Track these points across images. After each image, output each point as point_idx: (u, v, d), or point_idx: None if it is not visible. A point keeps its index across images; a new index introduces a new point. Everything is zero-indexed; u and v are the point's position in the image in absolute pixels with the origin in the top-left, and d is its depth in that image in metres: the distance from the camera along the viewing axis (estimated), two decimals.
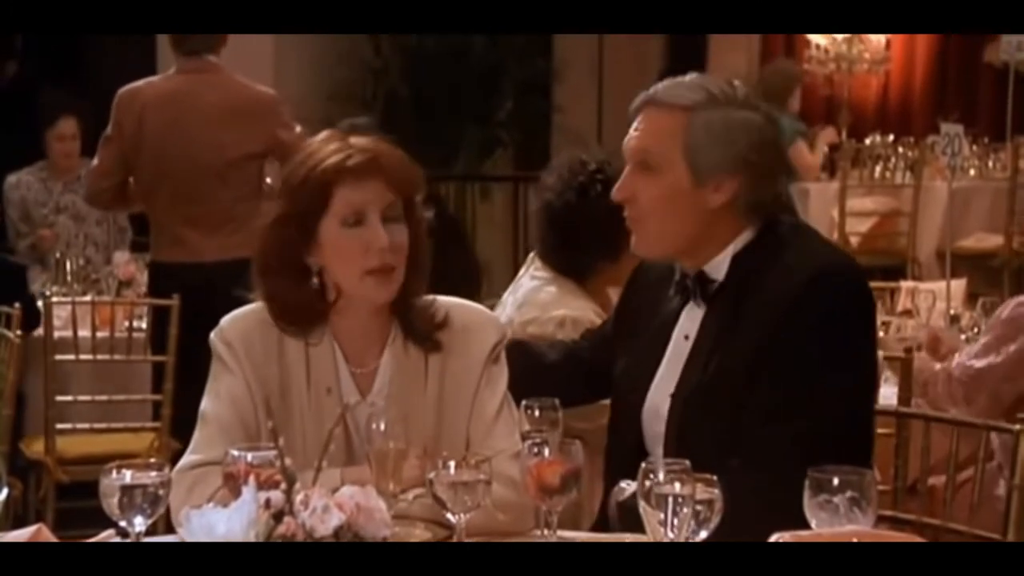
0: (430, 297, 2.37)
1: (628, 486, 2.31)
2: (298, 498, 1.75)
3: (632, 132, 2.42)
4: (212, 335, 2.33)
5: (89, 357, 4.63)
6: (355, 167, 2.23)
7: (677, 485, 1.82)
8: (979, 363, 3.35)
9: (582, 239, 3.12)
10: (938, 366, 3.50)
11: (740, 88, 2.42)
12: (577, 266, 3.17)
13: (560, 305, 3.11)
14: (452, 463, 1.94)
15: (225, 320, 2.35)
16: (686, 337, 2.42)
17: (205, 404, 2.30)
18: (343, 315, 2.32)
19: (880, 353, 3.72)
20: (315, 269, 2.29)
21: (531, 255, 3.32)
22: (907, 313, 4.67)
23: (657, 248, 2.44)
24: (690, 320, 2.43)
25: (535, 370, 2.65)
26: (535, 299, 3.16)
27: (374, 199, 2.24)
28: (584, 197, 3.12)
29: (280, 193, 2.32)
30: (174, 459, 2.30)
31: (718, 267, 2.39)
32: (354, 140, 2.29)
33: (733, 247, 2.39)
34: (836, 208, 7.68)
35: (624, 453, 2.43)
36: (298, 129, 4.86)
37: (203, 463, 2.20)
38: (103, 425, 4.68)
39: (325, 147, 2.27)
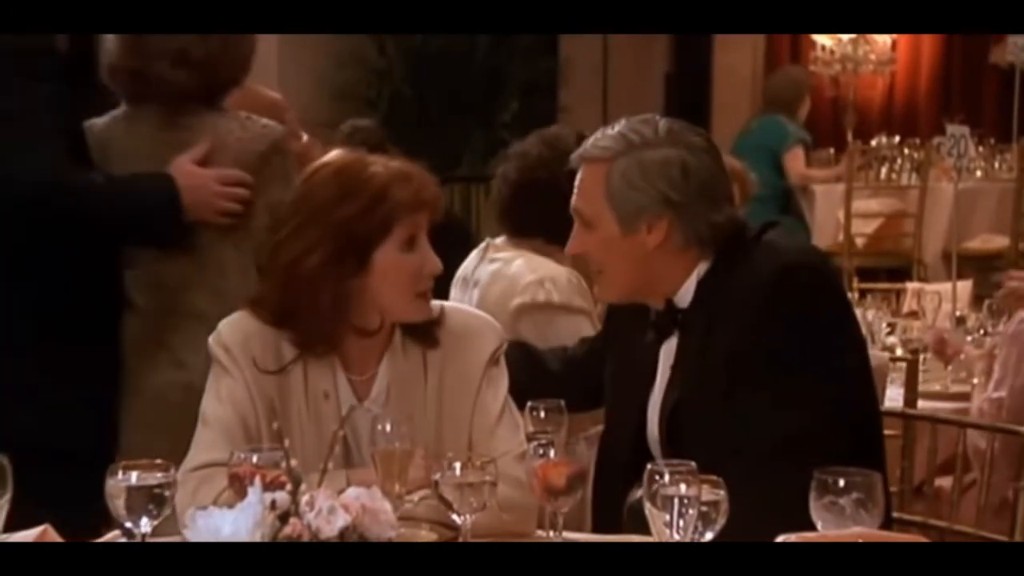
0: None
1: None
2: (304, 499, 1.75)
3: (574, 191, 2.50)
4: (210, 340, 2.34)
5: None
6: (426, 200, 2.29)
7: (683, 487, 1.82)
8: (1001, 392, 3.31)
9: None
10: (974, 404, 3.45)
11: (662, 126, 2.45)
12: (558, 225, 2.94)
13: (534, 270, 3.05)
14: (458, 464, 1.94)
15: (223, 324, 2.35)
16: (671, 367, 2.44)
17: (206, 405, 2.30)
18: (355, 331, 2.31)
19: (885, 355, 3.73)
20: (355, 292, 2.27)
21: (479, 251, 3.26)
22: (913, 315, 4.67)
23: (617, 294, 2.53)
24: (669, 351, 2.45)
25: (535, 375, 2.66)
26: (504, 274, 3.10)
27: (424, 224, 2.31)
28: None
29: (322, 226, 2.26)
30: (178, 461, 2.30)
31: (684, 297, 2.43)
32: (388, 162, 2.31)
33: (696, 275, 2.42)
34: (842, 209, 7.68)
35: (614, 482, 2.44)
36: (305, 138, 4.85)
37: (208, 464, 2.20)
38: None
39: (379, 174, 2.27)
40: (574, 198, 2.49)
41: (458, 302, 3.04)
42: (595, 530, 2.47)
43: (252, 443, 2.15)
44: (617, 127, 2.47)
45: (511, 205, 3.19)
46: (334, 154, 2.36)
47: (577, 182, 2.49)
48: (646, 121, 2.47)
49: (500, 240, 3.23)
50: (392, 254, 2.27)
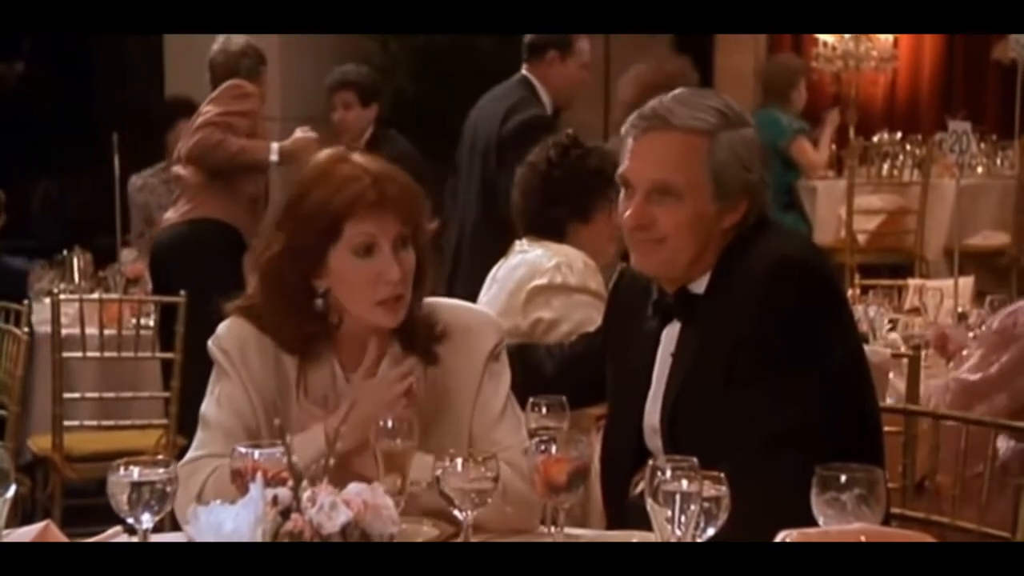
0: (429, 301, 2.37)
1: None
2: (305, 495, 1.75)
3: (638, 158, 2.37)
4: (210, 342, 2.34)
5: (96, 354, 4.64)
6: (371, 203, 2.22)
7: (684, 482, 1.82)
8: (973, 376, 3.33)
9: (560, 198, 3.30)
10: (936, 381, 3.49)
11: (736, 104, 2.42)
12: (556, 225, 3.32)
13: (552, 256, 3.26)
14: (459, 460, 1.94)
15: (222, 327, 2.35)
16: (672, 355, 2.41)
17: (206, 408, 2.31)
18: (344, 331, 2.31)
19: (887, 351, 3.73)
20: (320, 291, 2.28)
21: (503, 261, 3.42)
22: (915, 311, 4.66)
23: (665, 267, 2.40)
24: (671, 337, 2.42)
25: (529, 378, 2.64)
26: (526, 260, 3.29)
27: (385, 230, 2.24)
28: (556, 163, 3.34)
29: (285, 220, 2.28)
30: (181, 456, 2.31)
31: (700, 283, 2.39)
32: (361, 162, 2.26)
33: (715, 262, 2.39)
34: (844, 206, 7.66)
35: (622, 472, 2.44)
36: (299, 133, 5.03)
37: (200, 457, 2.23)
38: (110, 422, 4.69)
39: (334, 174, 2.25)
40: (653, 166, 2.35)
41: (484, 298, 3.29)
42: (610, 524, 2.47)
43: (252, 438, 2.16)
44: (693, 98, 2.38)
45: (522, 209, 3.39)
46: (327, 150, 2.34)
47: (654, 150, 2.36)
48: (721, 98, 2.41)
49: (525, 239, 3.41)
50: (345, 257, 2.24)
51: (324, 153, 2.32)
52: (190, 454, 2.27)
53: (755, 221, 2.40)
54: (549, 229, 3.31)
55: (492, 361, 2.35)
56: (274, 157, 5.21)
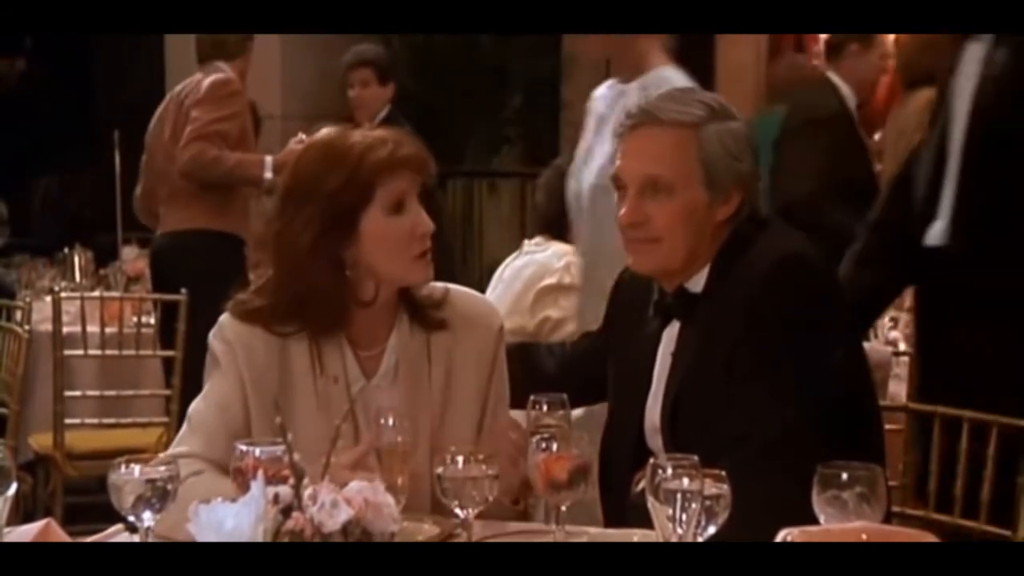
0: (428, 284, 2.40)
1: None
2: (306, 493, 1.75)
3: (628, 156, 2.39)
4: (211, 335, 2.33)
5: (98, 352, 4.65)
6: (397, 162, 2.26)
7: (685, 480, 1.82)
8: None
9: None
10: None
11: (722, 100, 2.43)
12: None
13: (561, 256, 3.33)
14: (460, 458, 1.95)
15: (224, 318, 2.33)
16: (672, 354, 2.42)
17: (193, 404, 2.31)
18: (357, 303, 2.32)
19: (888, 349, 3.74)
20: (350, 262, 2.29)
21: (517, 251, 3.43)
22: None
23: (661, 266, 2.41)
24: (671, 336, 2.43)
25: (532, 378, 2.65)
26: (535, 260, 3.39)
27: (411, 186, 2.29)
28: None
29: (307, 201, 2.27)
30: None
31: (698, 281, 2.39)
32: (369, 131, 2.32)
33: (712, 259, 2.39)
34: None
35: (622, 471, 2.44)
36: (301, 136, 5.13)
37: (178, 456, 2.22)
38: (111, 420, 4.70)
39: (351, 144, 2.28)
40: (641, 161, 2.36)
41: (489, 297, 3.25)
42: (607, 524, 2.48)
43: (234, 439, 2.14)
44: (679, 94, 2.42)
45: (545, 210, 3.47)
46: (318, 133, 2.36)
47: (643, 145, 2.37)
48: (708, 94, 2.43)
49: (536, 239, 3.49)
50: (379, 219, 2.26)
51: (325, 133, 2.34)
52: (170, 450, 2.26)
53: (753, 218, 2.41)
54: (565, 231, 3.33)
55: (499, 347, 2.40)
56: (268, 173, 5.21)
